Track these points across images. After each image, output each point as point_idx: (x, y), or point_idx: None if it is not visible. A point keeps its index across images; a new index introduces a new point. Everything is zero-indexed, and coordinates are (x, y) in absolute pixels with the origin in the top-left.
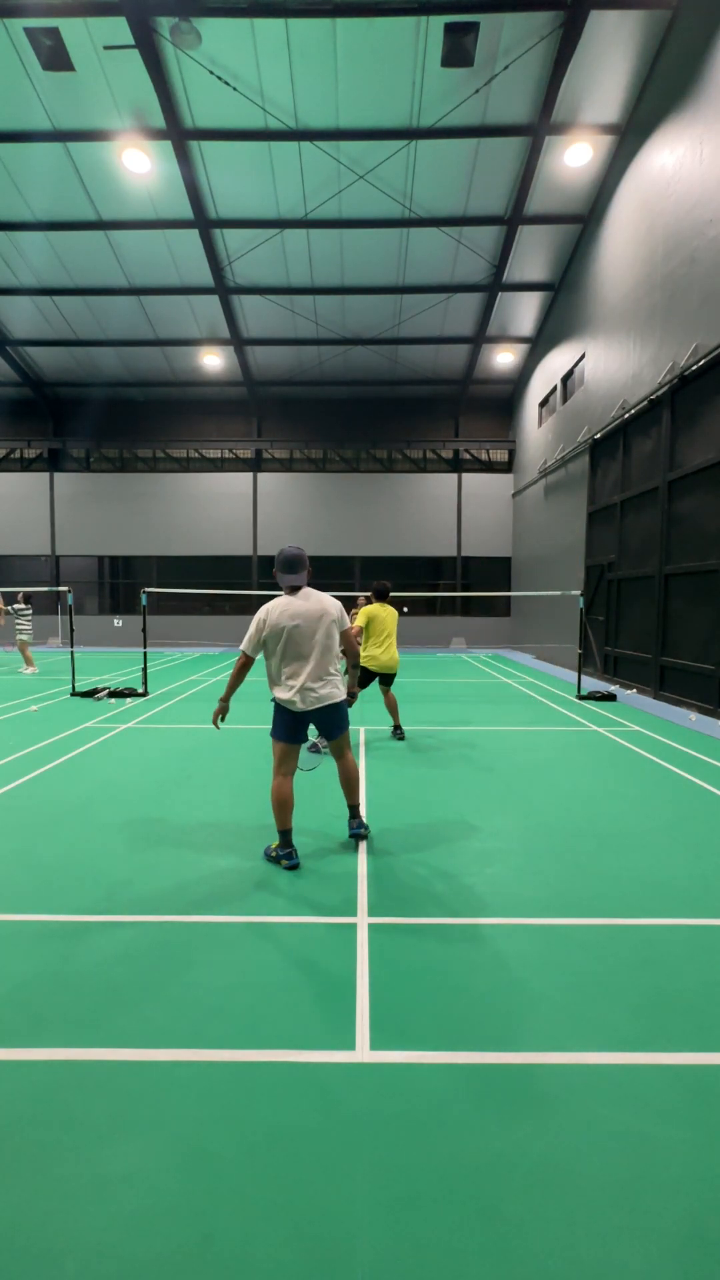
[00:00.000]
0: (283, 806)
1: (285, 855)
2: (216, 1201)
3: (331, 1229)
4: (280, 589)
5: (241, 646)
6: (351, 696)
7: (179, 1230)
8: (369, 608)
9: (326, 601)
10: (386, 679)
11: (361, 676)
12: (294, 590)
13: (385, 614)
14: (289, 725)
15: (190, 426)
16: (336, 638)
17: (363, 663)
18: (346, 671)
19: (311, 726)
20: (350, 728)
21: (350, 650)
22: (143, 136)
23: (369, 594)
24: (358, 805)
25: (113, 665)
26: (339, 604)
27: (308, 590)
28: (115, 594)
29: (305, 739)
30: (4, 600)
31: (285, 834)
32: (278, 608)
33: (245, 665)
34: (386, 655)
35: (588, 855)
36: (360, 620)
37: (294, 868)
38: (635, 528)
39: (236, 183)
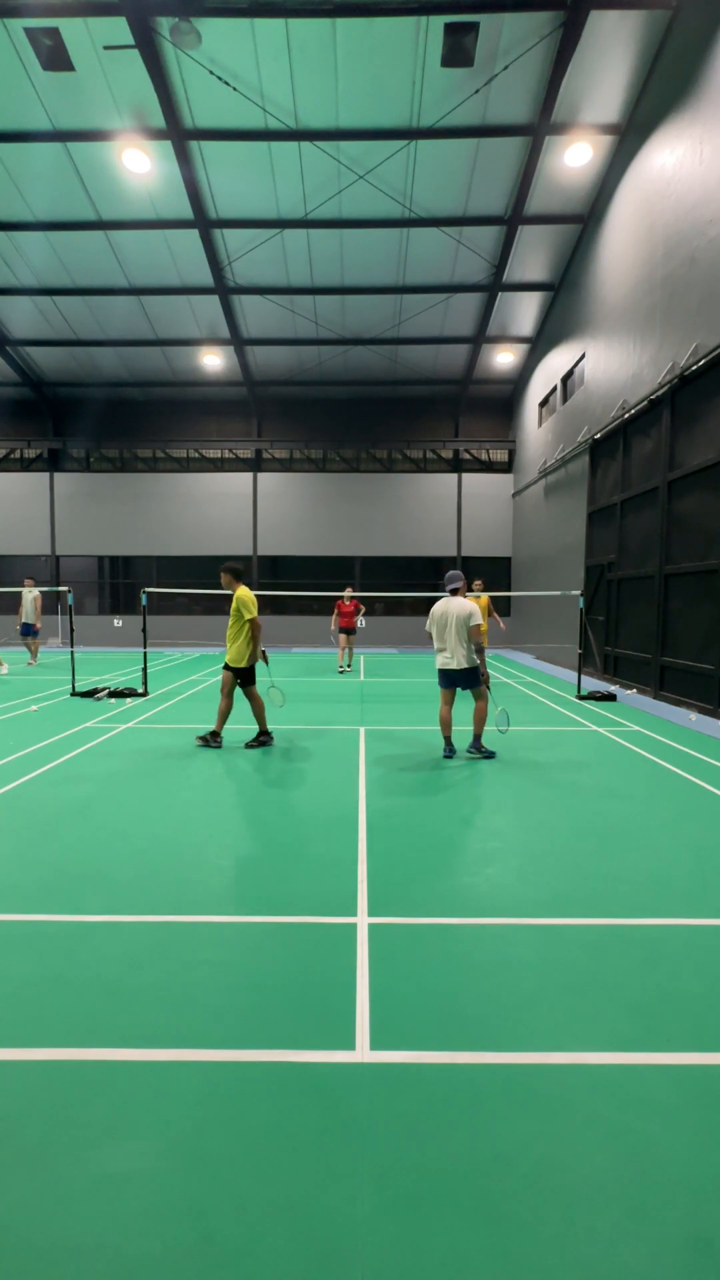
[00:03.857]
0: (443, 723)
1: (445, 750)
2: (216, 1201)
3: (331, 1229)
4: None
5: (426, 628)
6: (484, 675)
7: (179, 1230)
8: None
9: (464, 605)
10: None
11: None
12: (453, 594)
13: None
14: (441, 677)
15: (190, 426)
16: (465, 630)
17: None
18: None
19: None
20: (352, 727)
21: (475, 640)
22: (143, 136)
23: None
24: (479, 735)
25: (113, 665)
26: (474, 608)
27: (460, 598)
28: (115, 594)
29: (454, 687)
30: None
31: (447, 740)
32: (440, 605)
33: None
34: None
35: (588, 855)
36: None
37: (448, 757)
38: (635, 528)
39: (236, 183)
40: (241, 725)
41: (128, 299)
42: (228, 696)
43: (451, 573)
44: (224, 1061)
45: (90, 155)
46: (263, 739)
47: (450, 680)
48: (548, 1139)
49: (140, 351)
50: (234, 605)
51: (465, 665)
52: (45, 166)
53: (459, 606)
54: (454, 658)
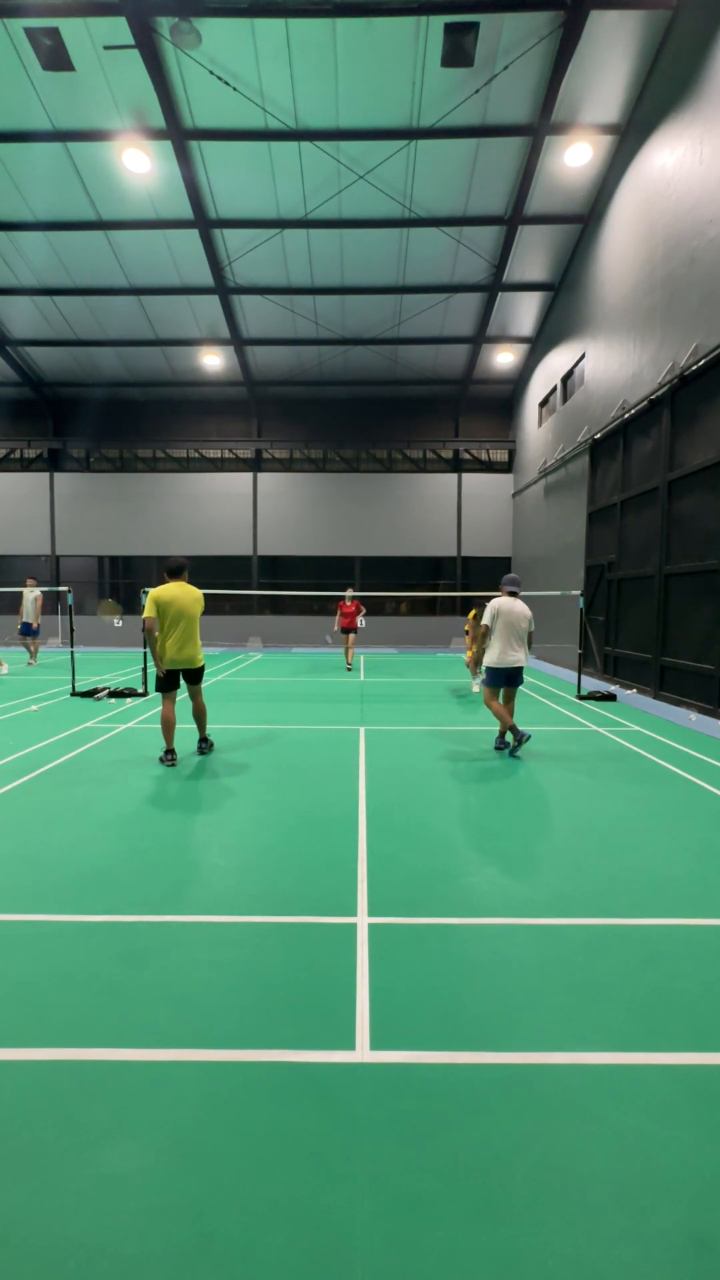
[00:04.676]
0: (503, 715)
1: (513, 743)
2: (216, 1201)
3: (331, 1229)
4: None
5: (485, 621)
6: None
7: (179, 1230)
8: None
9: (525, 608)
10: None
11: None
12: (513, 595)
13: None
14: (501, 675)
15: (190, 426)
16: (529, 633)
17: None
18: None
19: None
20: (352, 727)
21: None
22: (143, 136)
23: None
24: (514, 727)
25: (113, 665)
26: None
27: (521, 602)
28: (115, 594)
29: (504, 684)
30: None
31: (513, 728)
32: (505, 603)
33: (485, 634)
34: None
35: (588, 855)
36: (486, 617)
37: (518, 743)
38: (635, 528)
39: (236, 183)
40: (240, 725)
41: (128, 299)
42: (194, 699)
43: (512, 575)
44: (224, 1061)
45: (90, 155)
46: (165, 757)
47: (509, 678)
48: (548, 1139)
49: (140, 351)
50: None
51: (524, 664)
52: (45, 166)
53: (524, 609)
54: (520, 655)
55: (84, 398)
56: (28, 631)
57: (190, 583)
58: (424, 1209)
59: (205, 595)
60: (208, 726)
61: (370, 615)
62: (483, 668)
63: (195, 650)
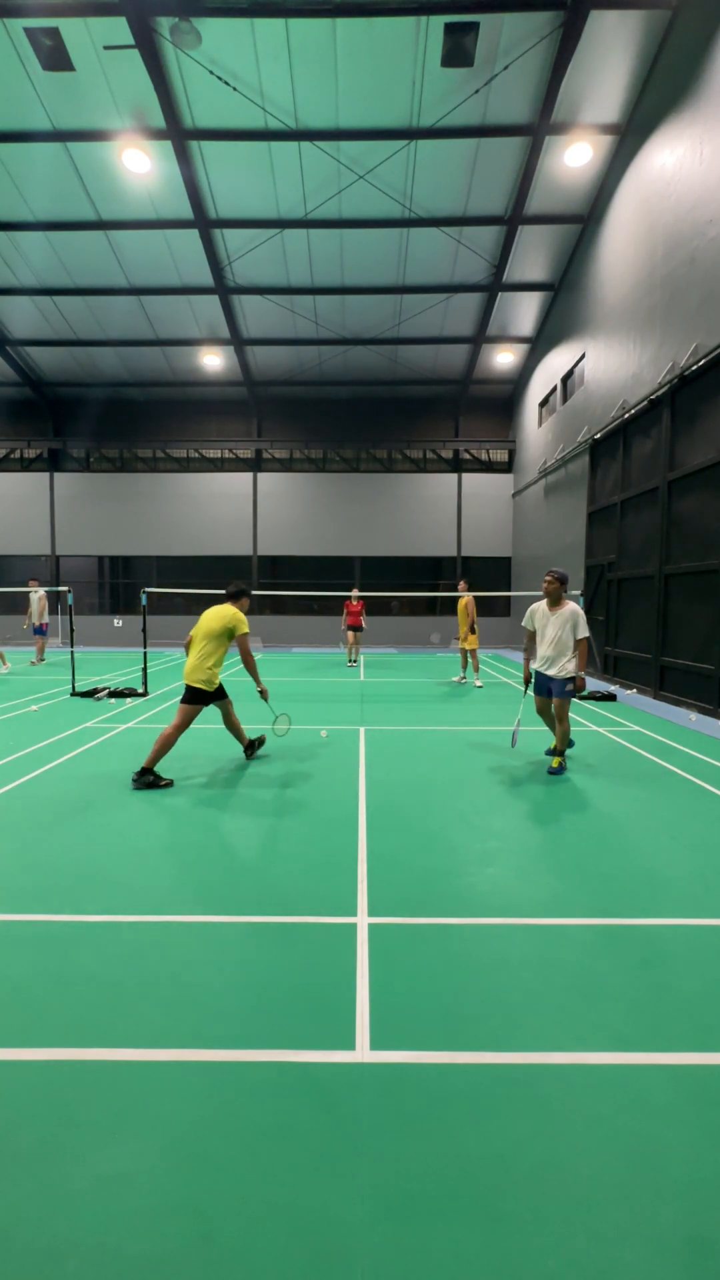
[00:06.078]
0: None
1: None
2: (216, 1201)
3: (331, 1229)
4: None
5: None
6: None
7: (179, 1230)
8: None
9: (567, 610)
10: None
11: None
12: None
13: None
14: (536, 681)
15: (190, 426)
16: (570, 637)
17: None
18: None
19: None
20: (352, 727)
21: (580, 650)
22: (143, 136)
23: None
24: (558, 748)
25: (113, 665)
26: (579, 612)
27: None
28: (115, 594)
29: (545, 693)
30: None
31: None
32: (541, 607)
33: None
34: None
35: (588, 855)
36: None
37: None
38: (635, 528)
39: (236, 183)
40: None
41: (128, 299)
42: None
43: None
44: (224, 1061)
45: (90, 155)
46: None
47: (537, 681)
48: (548, 1139)
49: (140, 351)
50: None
51: (553, 675)
52: (45, 166)
53: (567, 613)
54: (550, 662)
55: (84, 398)
56: (38, 631)
57: (205, 584)
58: (424, 1209)
59: (205, 595)
60: (158, 761)
61: (370, 615)
62: (561, 679)
63: (190, 666)
